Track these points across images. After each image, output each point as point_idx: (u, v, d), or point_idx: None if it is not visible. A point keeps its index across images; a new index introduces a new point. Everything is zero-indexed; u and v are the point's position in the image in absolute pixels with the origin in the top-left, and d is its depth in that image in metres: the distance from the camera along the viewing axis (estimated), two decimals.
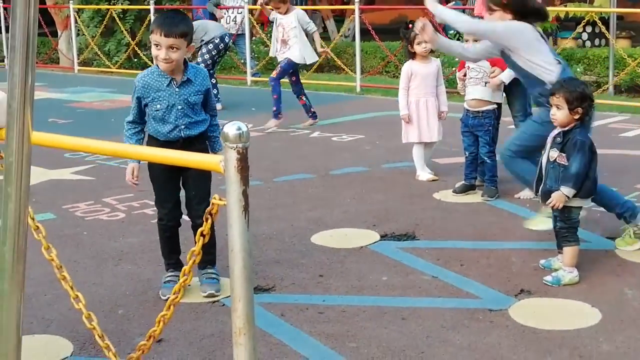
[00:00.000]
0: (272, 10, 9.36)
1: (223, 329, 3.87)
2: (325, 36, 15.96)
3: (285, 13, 9.19)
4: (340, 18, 20.43)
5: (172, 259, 4.42)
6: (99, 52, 15.92)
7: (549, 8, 13.36)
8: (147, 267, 4.74)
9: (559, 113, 4.38)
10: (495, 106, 6.05)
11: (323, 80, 13.45)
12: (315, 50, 9.39)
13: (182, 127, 4.17)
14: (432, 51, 6.46)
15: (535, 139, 4.99)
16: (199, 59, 10.52)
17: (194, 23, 10.22)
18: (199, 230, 2.28)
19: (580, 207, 4.49)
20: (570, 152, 4.35)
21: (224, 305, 4.16)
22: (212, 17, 16.84)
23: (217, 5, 13.42)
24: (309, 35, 9.37)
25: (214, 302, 4.21)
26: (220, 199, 2.16)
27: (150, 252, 4.95)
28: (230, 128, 2.08)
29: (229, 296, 4.16)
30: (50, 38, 17.93)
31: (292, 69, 9.24)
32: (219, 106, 10.27)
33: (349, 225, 5.43)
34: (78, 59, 16.23)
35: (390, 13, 22.58)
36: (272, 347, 3.68)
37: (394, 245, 5.01)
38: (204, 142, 4.30)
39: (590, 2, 14.64)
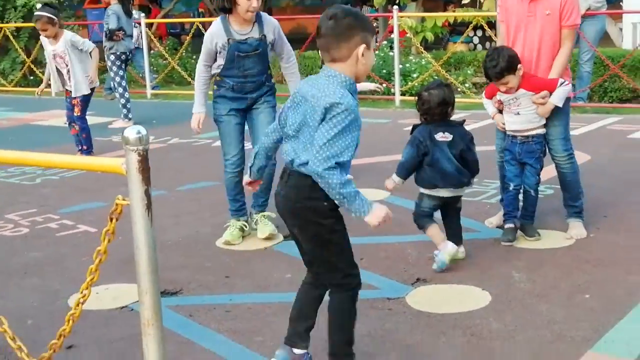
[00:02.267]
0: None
1: (132, 332, 3.96)
2: None
3: (55, 38, 8.29)
4: None
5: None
6: None
7: (440, 14, 13.87)
8: (54, 279, 4.79)
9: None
10: (544, 130, 5.10)
11: None
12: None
13: None
14: None
15: None
16: (110, 71, 10.55)
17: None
18: (104, 230, 2.41)
19: (432, 198, 4.74)
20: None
21: (132, 310, 4.26)
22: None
23: None
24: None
25: (122, 307, 4.31)
26: (123, 199, 2.30)
27: (56, 265, 5.01)
28: (131, 132, 2.23)
29: (137, 301, 4.30)
30: None
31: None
32: (130, 123, 10.31)
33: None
34: None
35: (289, 22, 22.87)
36: (181, 345, 3.81)
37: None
38: None
39: (480, 7, 15.20)
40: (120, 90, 10.66)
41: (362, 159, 7.46)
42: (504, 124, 5.14)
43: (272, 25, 5.29)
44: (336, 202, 3.01)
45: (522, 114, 5.01)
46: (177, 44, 16.82)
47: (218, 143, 5.69)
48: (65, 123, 9.80)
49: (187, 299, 4.40)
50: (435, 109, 4.67)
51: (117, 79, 10.64)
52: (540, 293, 4.26)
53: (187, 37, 15.55)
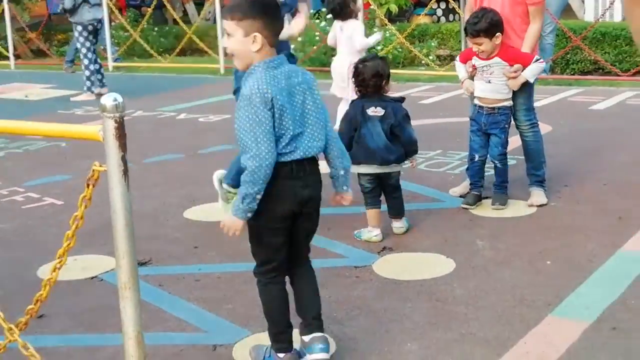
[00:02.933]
0: None
1: (102, 302, 4.01)
2: (186, 20, 15.99)
3: None
4: (200, 1, 20.43)
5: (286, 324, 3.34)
6: None
7: None
8: (22, 251, 4.80)
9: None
10: (512, 102, 5.18)
11: (187, 63, 13.53)
12: None
13: None
14: None
15: None
16: (77, 42, 10.45)
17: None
18: (81, 195, 2.44)
19: (366, 175, 4.76)
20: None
21: (102, 280, 4.30)
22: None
23: None
24: None
25: (92, 278, 4.35)
26: (100, 165, 2.34)
27: (24, 236, 5.03)
28: (107, 99, 2.27)
29: (107, 271, 4.34)
30: None
31: None
32: (104, 90, 10.22)
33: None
34: None
35: None
36: (152, 314, 3.86)
37: None
38: None
39: None
40: (86, 62, 10.51)
41: None
42: (472, 91, 5.21)
43: None
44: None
45: (492, 83, 5.08)
46: (138, 16, 16.67)
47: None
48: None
49: (156, 269, 4.44)
50: (369, 80, 4.69)
51: (84, 50, 10.49)
52: (503, 260, 4.37)
53: (148, 9, 15.43)
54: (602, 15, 11.82)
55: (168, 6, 15.14)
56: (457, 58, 5.39)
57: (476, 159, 5.25)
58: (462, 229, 4.89)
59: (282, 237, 3.14)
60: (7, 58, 14.59)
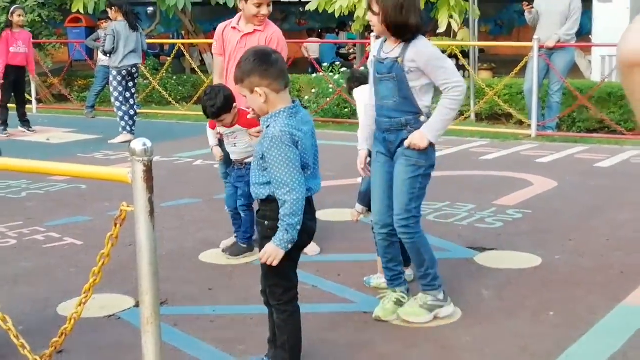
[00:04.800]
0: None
1: (121, 340, 4.16)
2: (203, 69, 16.32)
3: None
4: None
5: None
6: None
7: None
8: (44, 288, 4.97)
9: None
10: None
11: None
12: None
13: None
14: None
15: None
16: (110, 86, 10.79)
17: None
18: (108, 234, 2.62)
19: None
20: None
21: (119, 319, 4.46)
22: (90, 52, 17.00)
23: (97, 39, 13.53)
24: None
25: (110, 316, 4.51)
26: (128, 206, 2.52)
27: (45, 275, 5.20)
28: (137, 144, 2.46)
29: (125, 310, 4.51)
30: None
31: None
32: (129, 137, 10.50)
33: None
34: None
35: None
36: (167, 352, 3.98)
37: None
38: None
39: (454, 36, 15.60)
40: (117, 104, 10.77)
41: (340, 180, 7.74)
42: (220, 156, 5.67)
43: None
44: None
45: (238, 146, 5.44)
46: (158, 65, 17.03)
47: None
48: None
49: (172, 309, 4.60)
50: None
51: (115, 93, 10.76)
52: (507, 310, 4.51)
53: (168, 58, 15.78)
54: (609, 75, 12.06)
55: (187, 56, 15.49)
56: (207, 125, 5.73)
57: (226, 208, 5.75)
58: (468, 279, 5.03)
59: (296, 266, 3.55)
60: (29, 102, 14.93)
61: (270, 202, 3.40)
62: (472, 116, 12.24)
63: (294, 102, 3.45)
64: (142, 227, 2.47)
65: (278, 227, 3.33)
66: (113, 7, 10.79)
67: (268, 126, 3.38)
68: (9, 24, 11.75)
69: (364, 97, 4.75)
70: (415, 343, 4.08)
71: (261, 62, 3.38)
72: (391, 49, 4.22)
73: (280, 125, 3.32)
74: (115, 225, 2.60)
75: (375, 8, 4.16)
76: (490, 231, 6.10)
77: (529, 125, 10.98)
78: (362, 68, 11.16)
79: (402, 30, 4.15)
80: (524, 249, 5.59)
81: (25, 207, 7.14)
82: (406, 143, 4.18)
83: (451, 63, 4.24)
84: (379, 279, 4.90)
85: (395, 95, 4.21)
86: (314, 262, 5.38)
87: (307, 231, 3.46)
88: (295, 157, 3.28)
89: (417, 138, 4.15)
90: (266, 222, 3.44)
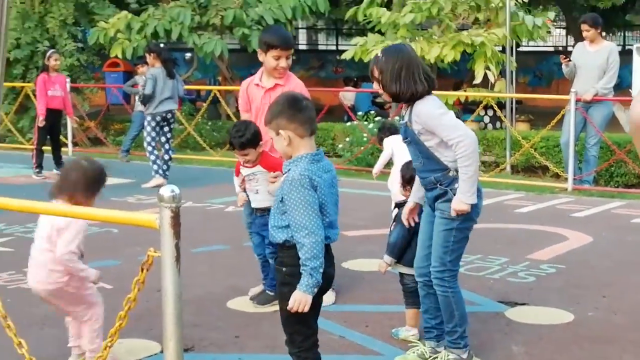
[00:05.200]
0: None
1: None
2: (238, 116, 16.43)
3: None
4: None
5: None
6: (12, 129, 16.03)
7: (451, 93, 14.21)
8: None
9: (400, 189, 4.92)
10: None
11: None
12: None
13: None
14: None
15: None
16: (144, 130, 10.96)
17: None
18: (135, 279, 2.62)
19: (411, 275, 4.71)
20: (395, 223, 4.83)
21: None
22: (127, 97, 17.24)
23: (134, 85, 13.71)
24: None
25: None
26: (155, 251, 2.52)
27: None
28: (166, 190, 2.47)
29: (151, 356, 4.49)
30: None
31: None
32: (162, 181, 10.57)
33: None
34: None
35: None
36: None
37: None
38: None
39: (492, 88, 15.58)
40: (150, 148, 10.85)
41: (371, 230, 7.70)
42: (244, 200, 5.54)
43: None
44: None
45: (260, 193, 5.36)
46: (193, 110, 17.21)
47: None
48: None
49: (198, 356, 4.58)
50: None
51: (149, 138, 10.82)
52: None
53: (203, 104, 15.94)
54: None
55: (222, 102, 15.64)
56: (233, 172, 5.69)
57: (256, 256, 5.66)
58: (498, 333, 4.95)
59: (316, 313, 3.54)
60: (65, 145, 15.13)
61: (288, 249, 3.42)
62: (508, 168, 12.17)
63: (317, 150, 3.50)
64: (168, 273, 2.46)
65: (296, 274, 3.34)
66: (152, 54, 10.93)
67: (289, 170, 3.42)
68: (45, 68, 11.93)
69: (394, 146, 4.77)
70: None
71: (290, 106, 3.46)
72: (405, 112, 4.31)
73: (300, 169, 3.37)
74: (142, 270, 2.60)
75: (376, 74, 4.27)
76: (522, 285, 6.01)
77: (566, 179, 10.88)
78: (397, 118, 11.19)
79: (402, 96, 4.23)
80: (556, 305, 5.50)
81: None
82: (452, 214, 4.19)
83: (449, 118, 4.19)
84: (407, 332, 4.84)
85: (419, 157, 4.29)
86: (342, 312, 5.34)
87: (326, 277, 3.45)
88: (314, 201, 3.33)
89: (457, 206, 4.16)
90: (284, 269, 3.46)
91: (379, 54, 4.31)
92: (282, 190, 3.38)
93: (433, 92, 4.27)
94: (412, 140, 4.25)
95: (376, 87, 4.36)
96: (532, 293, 5.81)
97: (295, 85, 5.61)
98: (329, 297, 5.52)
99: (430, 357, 4.40)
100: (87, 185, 4.28)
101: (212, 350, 4.69)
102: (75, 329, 4.50)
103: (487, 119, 16.00)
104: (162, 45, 11.21)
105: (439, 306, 4.40)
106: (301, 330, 3.51)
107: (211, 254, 7.03)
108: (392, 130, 5.65)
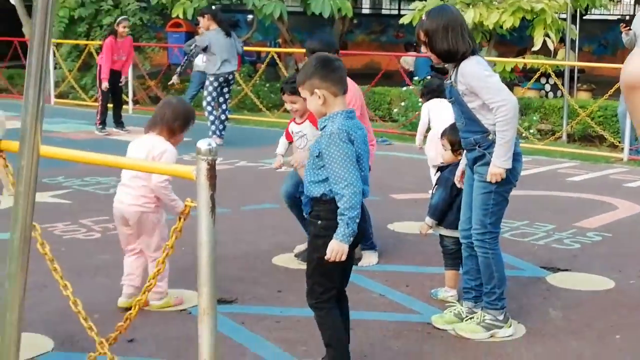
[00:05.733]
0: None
1: (189, 333, 4.30)
2: None
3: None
4: None
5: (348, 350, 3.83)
6: (75, 86, 16.38)
7: (508, 60, 14.05)
8: (120, 280, 5.16)
9: (447, 153, 4.88)
10: None
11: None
12: None
13: None
14: None
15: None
16: (205, 90, 11.18)
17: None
18: (172, 227, 2.75)
19: (451, 238, 4.79)
20: (437, 186, 4.88)
21: (190, 313, 4.61)
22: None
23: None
24: None
25: (182, 310, 4.67)
26: (191, 201, 2.64)
27: (121, 267, 5.39)
28: (202, 144, 2.58)
29: (195, 306, 4.65)
30: None
31: None
32: (218, 140, 10.75)
33: None
34: (55, 91, 16.64)
35: (363, 58, 23.36)
36: (233, 348, 4.13)
37: None
38: None
39: (554, 55, 15.36)
40: (209, 108, 10.99)
41: (418, 194, 7.76)
42: (280, 164, 5.61)
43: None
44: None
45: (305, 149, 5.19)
46: (252, 71, 17.34)
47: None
48: None
49: (240, 308, 4.73)
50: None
51: (209, 98, 10.98)
52: (573, 330, 4.47)
53: (262, 65, 16.06)
54: None
55: (280, 65, 15.73)
56: (284, 134, 5.64)
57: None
58: (538, 298, 5.00)
59: (342, 265, 3.58)
60: (126, 103, 15.42)
61: (324, 202, 3.53)
62: (564, 137, 12.06)
63: (350, 108, 3.62)
64: (203, 222, 2.57)
65: (331, 228, 3.45)
66: (205, 16, 11.04)
67: (324, 126, 3.52)
68: (114, 32, 12.11)
69: (432, 110, 4.79)
70: (476, 356, 4.10)
71: (323, 67, 3.56)
72: (451, 73, 4.32)
73: (337, 124, 3.47)
74: (180, 219, 2.72)
75: (422, 36, 4.31)
76: (566, 252, 6.03)
77: (622, 149, 10.74)
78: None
79: (449, 55, 4.27)
80: (599, 272, 5.51)
81: (112, 202, 7.38)
82: (488, 179, 4.21)
83: (495, 81, 4.21)
84: (446, 292, 4.92)
85: (461, 118, 4.33)
86: (384, 272, 5.44)
87: (360, 232, 3.56)
88: (352, 154, 3.43)
89: (492, 172, 4.19)
90: (319, 222, 3.57)
91: (423, 17, 4.35)
92: (320, 145, 3.48)
93: (494, 57, 4.31)
94: (456, 100, 4.30)
95: (424, 50, 4.42)
96: (576, 260, 5.82)
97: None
98: (372, 258, 5.63)
99: (466, 317, 4.48)
100: (175, 122, 4.68)
101: (255, 303, 4.83)
102: (131, 267, 4.70)
103: (547, 87, 15.80)
104: (217, 6, 11.31)
105: (480, 268, 4.47)
106: (323, 282, 3.63)
107: (260, 212, 7.17)
108: (432, 92, 5.65)
